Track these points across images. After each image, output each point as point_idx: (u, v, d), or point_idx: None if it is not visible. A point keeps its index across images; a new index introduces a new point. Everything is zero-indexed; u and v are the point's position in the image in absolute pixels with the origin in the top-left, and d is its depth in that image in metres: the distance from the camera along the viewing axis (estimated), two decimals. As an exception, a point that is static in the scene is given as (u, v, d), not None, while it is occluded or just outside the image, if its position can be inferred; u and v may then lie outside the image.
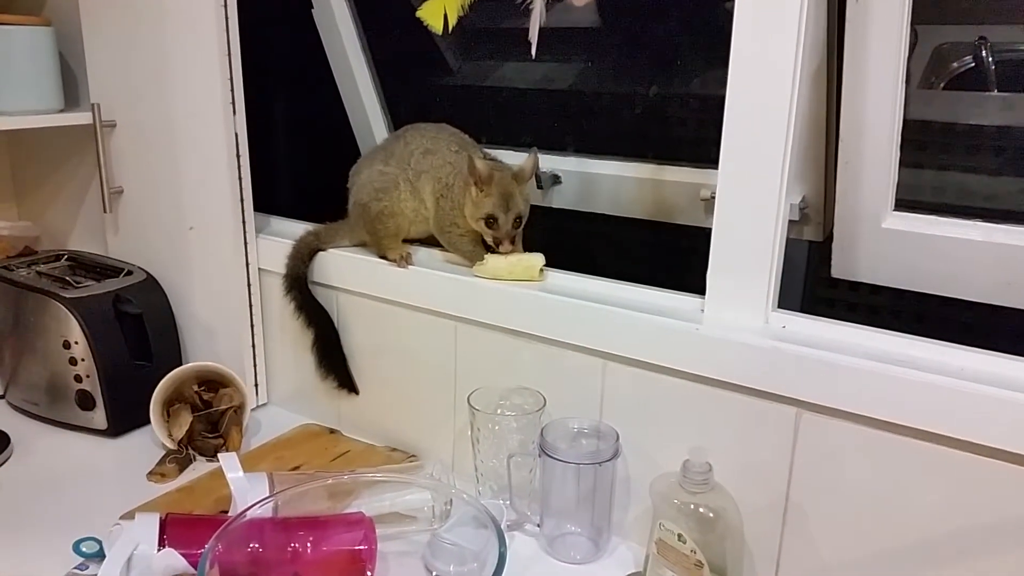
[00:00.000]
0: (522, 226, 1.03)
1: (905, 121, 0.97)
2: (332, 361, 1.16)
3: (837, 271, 1.05)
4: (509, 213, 1.00)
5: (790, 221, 0.93)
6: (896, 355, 0.77)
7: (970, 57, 1.26)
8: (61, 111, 1.25)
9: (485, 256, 1.02)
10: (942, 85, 1.28)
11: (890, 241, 0.99)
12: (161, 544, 0.80)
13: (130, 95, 1.21)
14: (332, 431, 1.21)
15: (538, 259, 1.01)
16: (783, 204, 0.82)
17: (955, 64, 1.28)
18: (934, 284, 0.98)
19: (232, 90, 1.11)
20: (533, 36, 0.96)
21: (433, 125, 1.12)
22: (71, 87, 1.29)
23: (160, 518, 0.83)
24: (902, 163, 0.98)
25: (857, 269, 1.03)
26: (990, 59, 1.24)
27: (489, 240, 1.02)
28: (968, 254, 0.95)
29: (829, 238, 1.07)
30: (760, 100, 0.80)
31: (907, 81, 0.96)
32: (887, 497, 0.78)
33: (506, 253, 1.01)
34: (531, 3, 0.97)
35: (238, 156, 1.14)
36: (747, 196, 0.83)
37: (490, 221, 1.00)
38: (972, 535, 0.74)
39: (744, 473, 0.85)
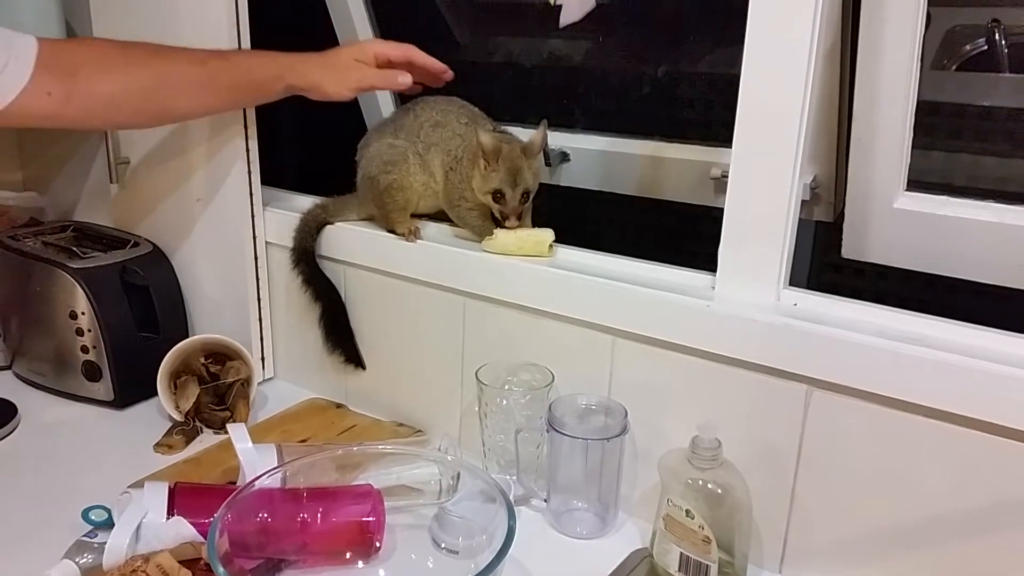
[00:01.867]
0: (530, 200, 1.02)
1: (917, 102, 0.97)
2: (339, 335, 1.16)
3: (848, 251, 1.04)
4: (517, 188, 0.99)
5: (801, 201, 0.92)
6: (908, 333, 0.77)
7: (983, 39, 1.26)
8: (67, 80, 1.24)
9: (495, 231, 1.02)
10: (955, 67, 1.28)
11: (902, 221, 0.99)
12: (170, 512, 0.81)
13: (137, 65, 1.20)
14: (339, 406, 1.21)
15: (547, 234, 1.00)
16: (797, 180, 0.82)
17: (968, 46, 1.28)
18: (945, 265, 0.98)
19: (241, 61, 1.10)
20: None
21: (443, 98, 1.11)
22: (77, 56, 1.28)
23: (169, 487, 0.83)
24: (914, 144, 0.98)
25: (868, 249, 1.03)
26: (1003, 42, 1.23)
27: (496, 214, 1.02)
28: (980, 235, 0.95)
29: (839, 219, 1.07)
30: (776, 76, 0.80)
31: (920, 62, 0.95)
32: (896, 475, 0.78)
33: (513, 228, 1.01)
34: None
35: (245, 127, 1.13)
36: (761, 172, 0.83)
37: (497, 196, 1.00)
38: (981, 514, 0.74)
39: (753, 450, 0.85)
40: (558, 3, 0.96)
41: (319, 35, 1.45)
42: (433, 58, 1.05)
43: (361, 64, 1.02)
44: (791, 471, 0.83)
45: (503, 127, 1.09)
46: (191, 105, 1.04)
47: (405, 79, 1.02)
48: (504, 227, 1.01)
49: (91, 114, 0.99)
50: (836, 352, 0.78)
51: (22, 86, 0.90)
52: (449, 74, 1.08)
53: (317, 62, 1.03)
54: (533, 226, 1.04)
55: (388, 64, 1.03)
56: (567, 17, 0.97)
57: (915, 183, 1.00)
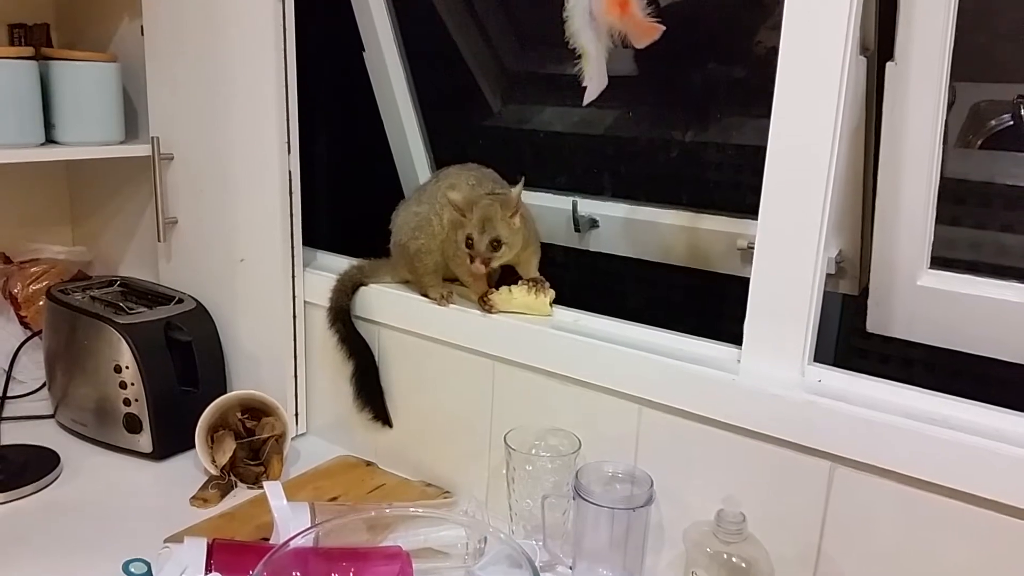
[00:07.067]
0: (500, 251, 1.03)
1: (942, 179, 0.99)
2: (369, 393, 1.19)
3: (872, 326, 1.06)
4: (484, 234, 1.02)
5: (827, 274, 0.94)
6: (931, 414, 0.79)
7: (1008, 115, 1.27)
8: (122, 143, 1.30)
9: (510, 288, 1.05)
10: (979, 143, 1.29)
11: (925, 298, 1.00)
12: (208, 569, 0.83)
13: (189, 130, 1.27)
14: (369, 463, 1.23)
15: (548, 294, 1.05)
16: (821, 258, 0.84)
17: (993, 122, 1.30)
18: (969, 343, 0.99)
19: (288, 130, 1.16)
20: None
21: (471, 164, 1.15)
22: (132, 120, 1.35)
23: (208, 543, 0.86)
24: (939, 220, 1.00)
25: (892, 325, 1.04)
26: (1029, 119, 1.25)
27: (467, 260, 1.04)
28: (1004, 315, 0.96)
29: (865, 292, 1.08)
30: (801, 156, 0.83)
31: (944, 138, 0.97)
32: (919, 554, 0.78)
33: (476, 274, 1.05)
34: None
35: (290, 193, 1.18)
36: (786, 250, 0.85)
37: (468, 242, 1.03)
38: (1005, 597, 0.74)
39: (777, 524, 0.86)
40: (584, 84, 1.01)
41: (358, 98, 1.51)
42: None
43: None
44: (814, 546, 0.84)
45: (534, 194, 1.12)
46: None
47: None
48: (471, 268, 1.04)
49: None
50: (859, 430, 0.79)
51: None
52: None
53: None
54: (547, 286, 1.07)
55: None
56: (590, 95, 1.02)
57: (941, 259, 1.01)
